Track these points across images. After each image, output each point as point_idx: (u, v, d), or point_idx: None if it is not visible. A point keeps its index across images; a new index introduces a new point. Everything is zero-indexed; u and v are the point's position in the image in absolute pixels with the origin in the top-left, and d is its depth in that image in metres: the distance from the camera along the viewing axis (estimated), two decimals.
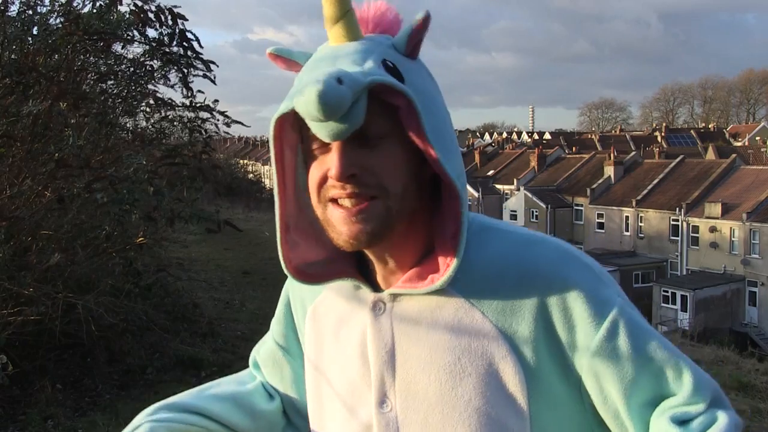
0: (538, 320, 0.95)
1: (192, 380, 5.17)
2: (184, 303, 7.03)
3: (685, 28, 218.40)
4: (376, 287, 1.05)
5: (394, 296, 1.02)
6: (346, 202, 0.93)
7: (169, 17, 5.26)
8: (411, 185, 0.95)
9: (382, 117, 0.92)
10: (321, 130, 0.88)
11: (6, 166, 4.50)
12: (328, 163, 0.93)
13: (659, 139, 65.91)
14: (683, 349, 6.50)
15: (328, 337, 1.11)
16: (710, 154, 49.02)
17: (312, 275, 1.05)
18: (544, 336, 0.95)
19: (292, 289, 1.21)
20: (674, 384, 0.97)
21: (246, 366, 1.38)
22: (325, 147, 0.93)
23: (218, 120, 6.45)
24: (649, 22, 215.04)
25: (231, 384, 1.28)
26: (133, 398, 4.76)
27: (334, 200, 0.94)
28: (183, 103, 6.16)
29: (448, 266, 0.96)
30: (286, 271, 1.05)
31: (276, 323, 1.25)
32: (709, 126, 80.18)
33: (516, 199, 44.36)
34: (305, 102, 0.84)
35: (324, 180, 0.95)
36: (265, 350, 1.27)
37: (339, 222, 0.94)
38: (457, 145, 0.98)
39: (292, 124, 0.97)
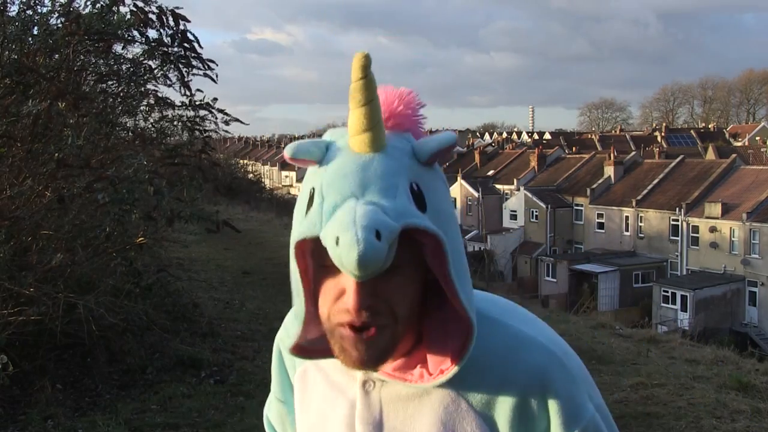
0: (517, 416, 1.02)
1: (192, 380, 5.17)
2: (184, 303, 7.03)
3: (684, 27, 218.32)
4: None
5: (383, 379, 1.06)
6: (357, 325, 0.95)
7: (171, 18, 5.27)
8: (417, 303, 1.00)
9: (403, 247, 0.91)
10: (347, 272, 0.89)
11: (6, 166, 4.50)
12: (343, 286, 0.95)
13: (659, 139, 65.88)
14: (683, 349, 6.49)
15: (314, 403, 1.15)
16: (710, 154, 48.99)
17: (306, 350, 1.08)
18: (521, 430, 1.03)
19: (283, 345, 1.23)
20: None
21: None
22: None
23: (217, 118, 6.46)
24: (647, 22, 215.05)
25: None
26: (133, 398, 4.75)
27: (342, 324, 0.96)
28: (182, 102, 6.16)
29: (441, 372, 1.01)
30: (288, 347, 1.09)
31: (273, 380, 1.29)
32: (709, 126, 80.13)
33: (516, 199, 44.34)
34: (344, 258, 0.86)
35: (336, 301, 0.96)
36: (273, 411, 1.32)
37: (347, 343, 0.96)
38: (466, 264, 1.00)
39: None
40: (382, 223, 0.87)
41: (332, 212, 0.90)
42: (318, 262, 0.98)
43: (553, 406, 1.02)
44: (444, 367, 1.00)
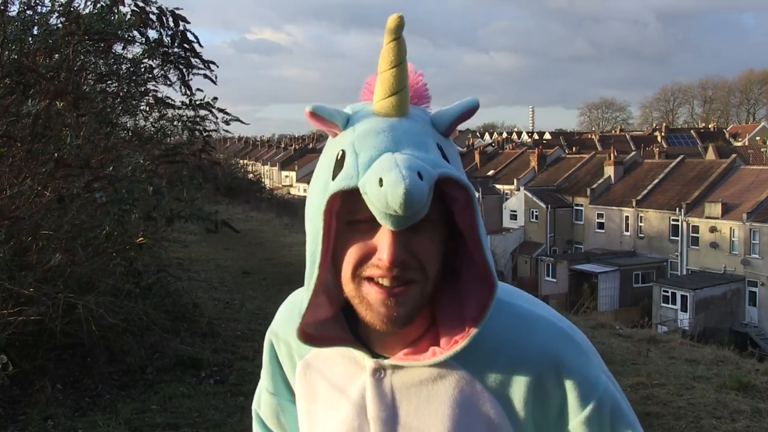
0: (532, 393, 1.03)
1: (192, 380, 5.16)
2: (184, 303, 7.02)
3: (684, 28, 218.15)
4: (372, 350, 1.07)
5: (395, 365, 1.05)
6: (386, 282, 0.94)
7: (171, 19, 5.27)
8: (440, 267, 0.99)
9: (434, 203, 0.92)
10: (386, 219, 0.89)
11: (6, 166, 4.50)
12: (376, 244, 0.95)
13: (659, 139, 65.87)
14: (683, 349, 6.47)
15: (322, 395, 1.13)
16: (710, 154, 48.98)
17: (313, 336, 1.05)
18: (536, 407, 1.03)
19: (275, 338, 1.22)
20: None
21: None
22: (374, 225, 0.93)
23: (217, 118, 6.45)
24: (647, 22, 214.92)
25: None
26: (133, 398, 4.75)
27: (371, 278, 0.96)
28: (183, 102, 6.16)
29: (455, 342, 1.00)
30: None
31: (264, 374, 1.28)
32: (709, 126, 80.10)
33: (516, 199, 44.33)
34: (389, 196, 0.86)
35: (365, 258, 0.96)
36: (264, 404, 1.32)
37: (376, 302, 0.96)
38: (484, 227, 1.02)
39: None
40: (423, 166, 0.88)
41: (369, 164, 0.91)
42: (347, 220, 0.97)
43: (567, 381, 1.02)
44: (458, 338, 1.00)
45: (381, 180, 0.86)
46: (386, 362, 1.05)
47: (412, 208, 0.86)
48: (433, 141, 0.97)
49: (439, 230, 0.98)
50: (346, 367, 1.09)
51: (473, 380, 1.03)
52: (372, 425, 1.06)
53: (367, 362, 1.06)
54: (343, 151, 0.95)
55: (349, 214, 0.96)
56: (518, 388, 1.02)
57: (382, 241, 0.93)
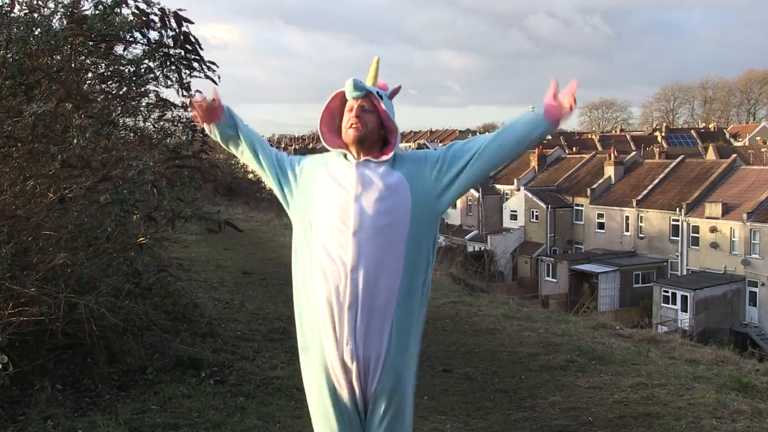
0: (417, 168, 2.75)
1: (192, 380, 5.17)
2: (184, 303, 7.02)
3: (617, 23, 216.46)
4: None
5: (366, 161, 2.67)
6: (353, 122, 2.64)
7: (173, 20, 5.26)
8: (376, 127, 2.67)
9: (370, 103, 2.67)
10: (349, 96, 2.67)
11: (8, 166, 4.50)
12: (350, 115, 2.63)
13: (659, 139, 65.86)
14: (683, 350, 6.42)
15: (323, 184, 2.67)
16: (710, 154, 48.97)
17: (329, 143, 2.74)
18: (417, 172, 2.75)
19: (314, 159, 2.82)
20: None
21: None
22: (350, 111, 2.66)
23: None
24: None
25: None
26: (133, 398, 4.75)
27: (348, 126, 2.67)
28: (183, 103, 6.15)
29: (385, 153, 2.68)
30: (325, 143, 2.72)
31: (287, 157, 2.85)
32: (710, 126, 80.00)
33: (516, 199, 44.32)
34: (348, 85, 2.64)
35: (347, 121, 2.66)
36: (265, 147, 2.89)
37: (350, 131, 2.64)
38: (394, 115, 2.72)
39: (340, 99, 2.72)
40: (364, 84, 2.67)
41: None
42: (341, 110, 2.72)
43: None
44: (388, 152, 2.68)
45: (347, 84, 2.64)
46: (361, 159, 2.66)
47: (356, 90, 2.62)
48: (375, 90, 2.67)
49: (376, 114, 2.65)
50: (343, 162, 2.67)
51: (392, 167, 2.65)
52: (352, 196, 2.60)
53: (353, 160, 2.66)
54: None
55: (343, 108, 2.70)
56: (411, 168, 2.66)
57: (353, 113, 2.62)
